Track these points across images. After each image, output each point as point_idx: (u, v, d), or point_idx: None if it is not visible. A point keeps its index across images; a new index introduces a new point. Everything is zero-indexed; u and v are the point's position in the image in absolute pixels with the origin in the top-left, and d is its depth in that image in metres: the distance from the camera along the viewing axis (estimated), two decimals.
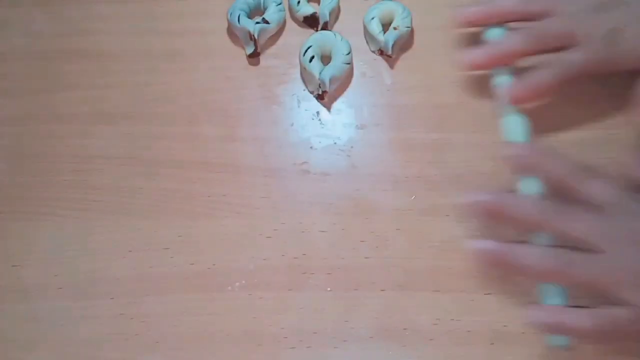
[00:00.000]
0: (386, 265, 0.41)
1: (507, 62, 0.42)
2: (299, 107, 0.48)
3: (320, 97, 0.47)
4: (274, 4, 0.50)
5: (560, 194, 0.37)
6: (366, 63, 0.49)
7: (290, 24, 0.51)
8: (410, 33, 0.49)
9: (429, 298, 0.40)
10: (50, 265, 0.42)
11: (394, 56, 0.48)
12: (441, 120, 0.46)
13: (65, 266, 0.42)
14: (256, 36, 0.48)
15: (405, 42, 0.49)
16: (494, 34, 0.44)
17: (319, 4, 0.51)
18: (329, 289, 0.41)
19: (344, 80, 0.48)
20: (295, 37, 0.50)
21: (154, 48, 0.50)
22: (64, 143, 0.46)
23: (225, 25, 0.51)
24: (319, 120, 0.47)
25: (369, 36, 0.49)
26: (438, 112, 0.46)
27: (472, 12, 0.44)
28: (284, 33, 0.51)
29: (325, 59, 0.48)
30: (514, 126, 0.42)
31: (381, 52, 0.49)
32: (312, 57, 0.47)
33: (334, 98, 0.48)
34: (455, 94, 0.47)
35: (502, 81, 0.43)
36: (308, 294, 0.41)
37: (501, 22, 0.43)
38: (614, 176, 0.37)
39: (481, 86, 0.47)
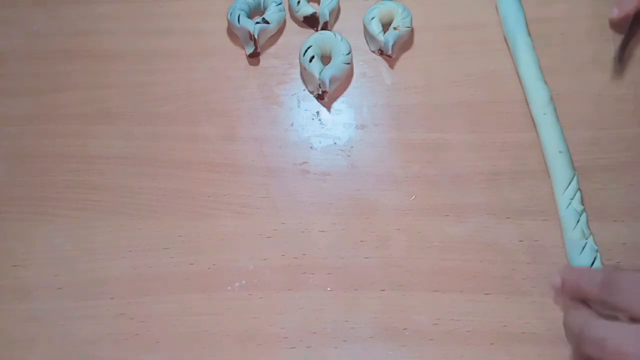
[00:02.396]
0: (386, 265, 0.41)
1: None
2: (299, 107, 0.48)
3: (320, 97, 0.47)
4: (274, 4, 0.50)
5: None
6: (366, 63, 0.49)
7: (290, 24, 0.51)
8: (410, 33, 0.49)
9: (429, 298, 0.40)
10: (50, 265, 0.42)
11: (394, 56, 0.48)
12: (441, 120, 0.46)
13: (65, 266, 0.42)
14: (256, 36, 0.48)
15: (405, 42, 0.49)
16: None
17: (319, 4, 0.51)
18: (329, 289, 0.41)
19: (344, 80, 0.48)
20: (295, 37, 0.50)
21: (154, 48, 0.50)
22: (64, 143, 0.46)
23: (225, 25, 0.51)
24: (319, 120, 0.47)
25: (369, 36, 0.49)
26: (438, 112, 0.46)
27: None
28: (284, 33, 0.51)
29: (325, 59, 0.48)
30: None
31: (381, 52, 0.49)
32: (312, 57, 0.47)
33: (334, 98, 0.48)
34: (455, 94, 0.47)
35: None
36: (308, 294, 0.41)
37: None
38: None
39: (481, 86, 0.47)
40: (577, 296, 0.37)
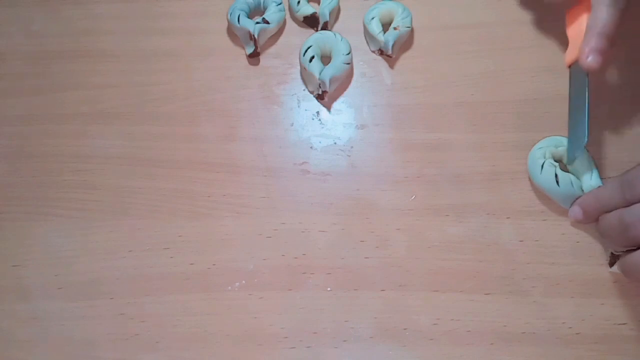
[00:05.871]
0: (386, 265, 0.41)
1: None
2: (299, 107, 0.48)
3: (320, 97, 0.47)
4: (274, 4, 0.50)
5: None
6: (366, 63, 0.49)
7: (290, 24, 0.51)
8: (410, 33, 0.49)
9: (429, 298, 0.40)
10: (50, 265, 0.42)
11: (394, 56, 0.48)
12: (441, 120, 0.46)
13: (65, 266, 0.42)
14: (256, 36, 0.48)
15: (405, 42, 0.49)
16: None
17: (319, 4, 0.51)
18: (329, 289, 0.41)
19: (344, 80, 0.48)
20: (295, 37, 0.50)
21: (154, 48, 0.50)
22: (64, 143, 0.46)
23: (225, 25, 0.51)
24: (319, 120, 0.47)
25: (369, 36, 0.49)
26: (438, 112, 0.46)
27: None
28: (284, 33, 0.51)
29: (325, 59, 0.48)
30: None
31: (381, 52, 0.49)
32: (312, 57, 0.47)
33: (334, 98, 0.48)
34: (455, 94, 0.47)
35: None
36: (308, 294, 0.41)
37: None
38: None
39: (481, 86, 0.47)
40: (602, 212, 0.39)
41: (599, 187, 0.40)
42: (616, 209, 0.38)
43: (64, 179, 0.45)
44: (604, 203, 0.39)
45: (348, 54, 0.47)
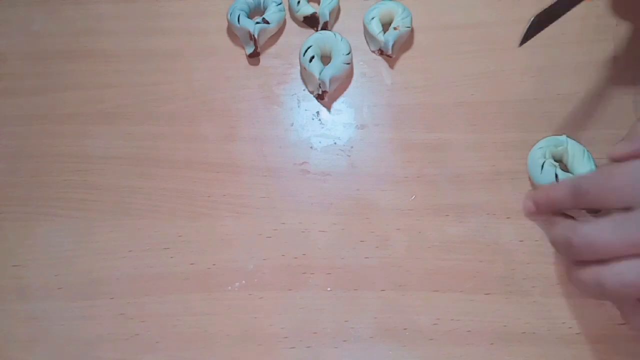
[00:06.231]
0: (386, 265, 0.41)
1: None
2: (299, 107, 0.48)
3: (320, 97, 0.47)
4: (274, 4, 0.50)
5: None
6: (366, 63, 0.49)
7: (290, 24, 0.51)
8: (410, 33, 0.49)
9: (429, 298, 0.40)
10: (50, 265, 0.42)
11: (394, 56, 0.48)
12: (441, 120, 0.46)
13: (65, 266, 0.42)
14: (256, 36, 0.48)
15: (405, 42, 0.49)
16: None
17: (319, 4, 0.51)
18: (329, 289, 0.41)
19: (344, 80, 0.48)
20: (295, 37, 0.50)
21: (154, 48, 0.50)
22: (64, 143, 0.46)
23: (225, 25, 0.51)
24: (319, 120, 0.47)
25: (369, 36, 0.49)
26: (438, 112, 0.46)
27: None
28: (284, 33, 0.51)
29: (325, 59, 0.48)
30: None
31: (381, 52, 0.49)
32: (312, 57, 0.47)
33: (334, 98, 0.48)
34: (455, 94, 0.47)
35: None
36: (308, 294, 0.41)
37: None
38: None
39: (481, 86, 0.47)
40: (553, 210, 0.38)
41: (552, 185, 0.40)
42: (565, 209, 0.37)
43: (64, 179, 0.45)
44: (554, 201, 0.38)
45: (348, 54, 0.47)
